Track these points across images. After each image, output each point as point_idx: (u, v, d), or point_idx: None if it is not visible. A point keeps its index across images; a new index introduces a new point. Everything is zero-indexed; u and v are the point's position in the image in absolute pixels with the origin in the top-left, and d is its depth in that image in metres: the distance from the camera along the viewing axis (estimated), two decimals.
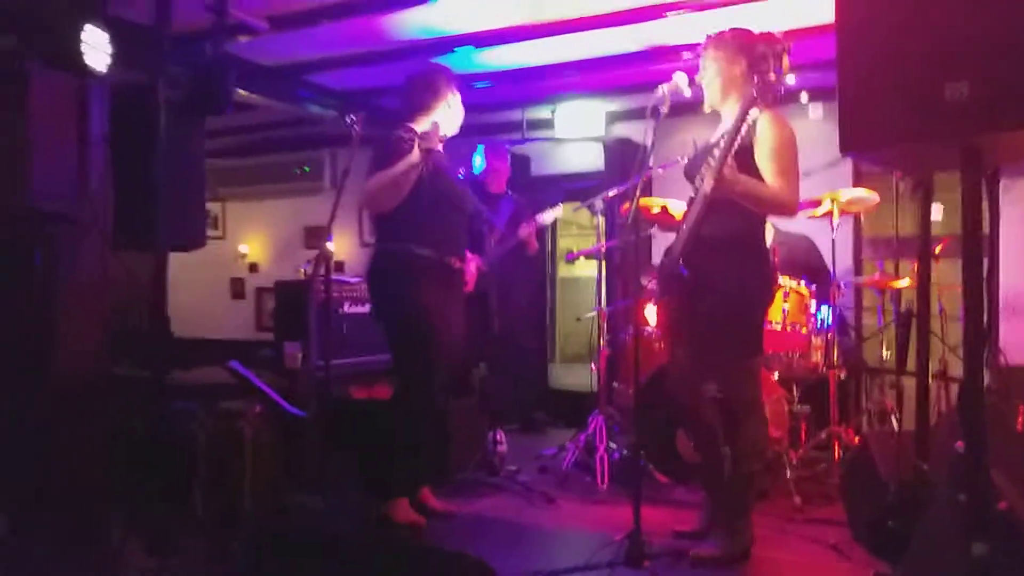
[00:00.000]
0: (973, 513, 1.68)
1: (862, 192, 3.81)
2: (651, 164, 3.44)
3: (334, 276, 4.42)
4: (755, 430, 2.81)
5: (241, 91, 4.83)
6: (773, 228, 4.31)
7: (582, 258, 4.89)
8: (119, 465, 3.34)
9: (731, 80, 2.77)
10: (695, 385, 2.84)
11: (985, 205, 3.80)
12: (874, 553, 2.72)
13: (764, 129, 2.63)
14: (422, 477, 3.38)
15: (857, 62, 1.67)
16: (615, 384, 4.43)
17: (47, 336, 3.38)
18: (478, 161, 4.74)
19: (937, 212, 4.87)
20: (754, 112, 2.62)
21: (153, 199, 3.15)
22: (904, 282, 3.81)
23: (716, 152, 2.67)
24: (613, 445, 3.97)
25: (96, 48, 3.11)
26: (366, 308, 4.60)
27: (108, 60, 3.15)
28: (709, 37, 2.84)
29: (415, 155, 3.10)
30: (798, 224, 3.93)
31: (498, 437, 4.12)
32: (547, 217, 4.37)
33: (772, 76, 2.50)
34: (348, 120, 3.17)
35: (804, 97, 5.02)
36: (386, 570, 1.85)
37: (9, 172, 2.96)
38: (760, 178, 2.64)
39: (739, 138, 2.57)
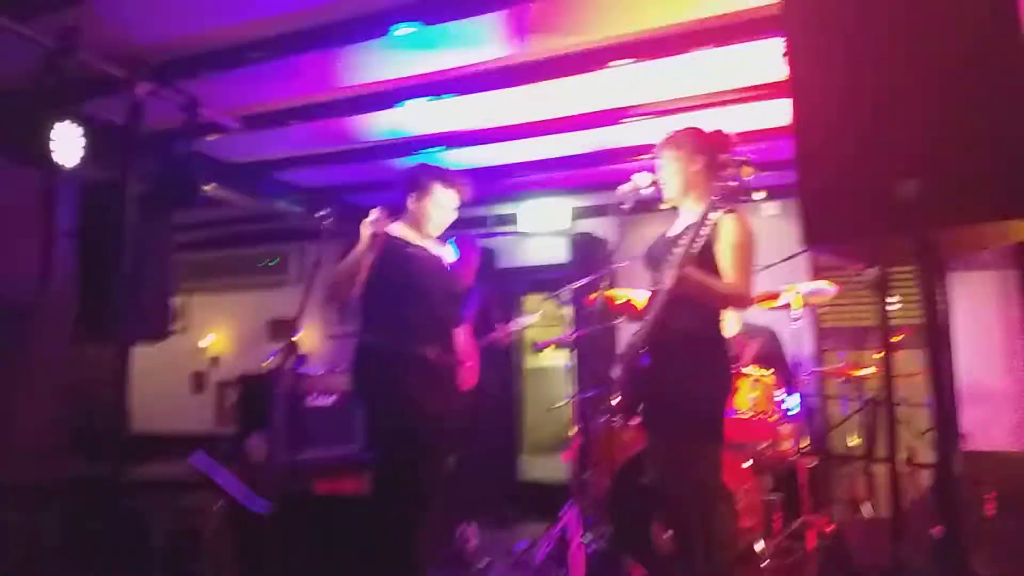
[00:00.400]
0: None
1: (822, 284, 3.92)
2: (615, 259, 3.54)
3: (300, 369, 4.39)
4: (719, 518, 2.80)
5: (208, 187, 4.87)
6: (740, 320, 4.42)
7: (549, 348, 4.92)
8: (77, 562, 3.19)
9: (690, 178, 2.89)
10: (668, 468, 2.84)
11: None
12: None
13: (726, 229, 2.75)
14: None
15: (817, 158, 1.72)
16: (588, 475, 4.38)
17: (1, 431, 3.27)
18: (449, 254, 4.79)
19: (895, 304, 5.03)
20: (715, 214, 2.74)
21: (118, 292, 3.12)
22: (867, 371, 3.89)
23: (678, 246, 2.77)
24: (588, 537, 3.90)
25: (67, 144, 3.14)
26: (330, 400, 4.55)
27: (80, 155, 3.17)
28: (666, 137, 2.98)
29: (362, 240, 3.12)
30: (760, 317, 4.02)
31: (468, 532, 4.02)
32: (524, 322, 4.42)
33: (734, 184, 2.62)
34: (319, 215, 3.22)
35: (759, 195, 5.23)
36: None
37: None
38: (717, 272, 2.75)
39: (701, 239, 2.67)
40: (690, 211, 2.89)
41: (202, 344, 7.50)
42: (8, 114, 3.15)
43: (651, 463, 2.93)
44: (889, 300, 4.00)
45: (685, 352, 2.76)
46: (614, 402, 4.02)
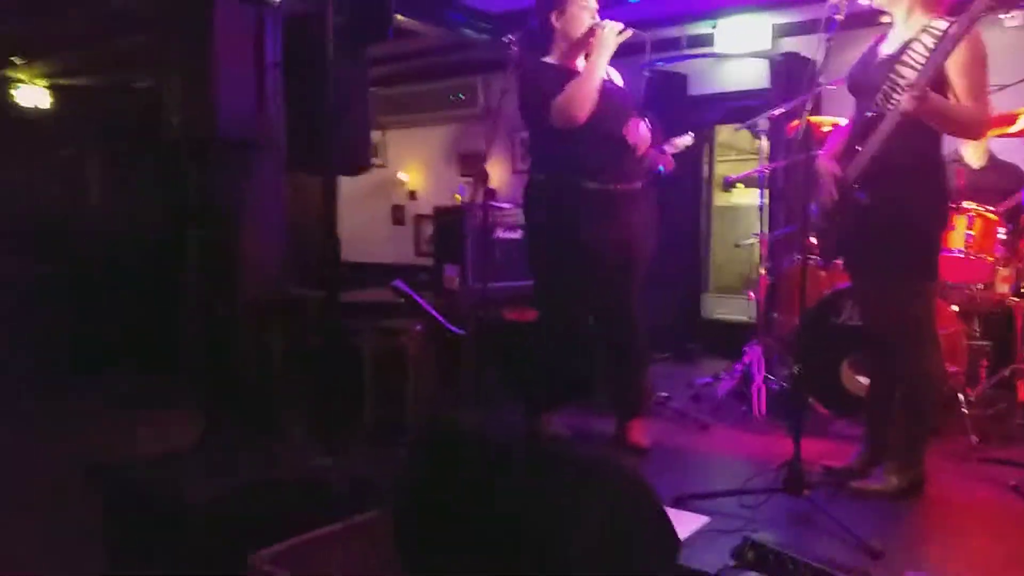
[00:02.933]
0: None
1: None
2: (821, 80, 3.21)
3: (489, 202, 4.51)
4: (928, 361, 2.67)
5: (400, 16, 4.91)
6: (988, 152, 4.00)
7: (740, 185, 4.69)
8: (297, 376, 3.63)
9: None
10: (880, 307, 2.72)
11: None
12: None
13: (962, 47, 2.39)
14: (565, 396, 3.43)
15: None
16: (775, 314, 4.28)
17: (233, 258, 3.67)
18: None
19: None
20: (940, 23, 2.43)
21: (324, 123, 3.29)
22: None
23: (899, 67, 2.50)
24: (771, 376, 3.87)
25: None
26: (518, 234, 4.69)
27: None
28: None
29: (606, 49, 3.03)
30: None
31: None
32: (681, 142, 4.19)
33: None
34: (506, 39, 3.16)
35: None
36: (549, 477, 1.88)
37: (196, 99, 3.18)
38: (945, 93, 2.46)
39: (939, 55, 2.37)
40: (911, 24, 2.56)
41: (400, 177, 7.87)
42: None
43: (859, 302, 2.82)
44: None
45: (906, 185, 2.55)
46: (814, 240, 3.86)
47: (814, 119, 3.32)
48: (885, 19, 2.67)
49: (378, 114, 7.35)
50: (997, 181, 3.92)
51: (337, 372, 3.16)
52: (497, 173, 6.48)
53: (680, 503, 2.59)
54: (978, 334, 3.61)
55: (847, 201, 2.64)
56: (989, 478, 2.87)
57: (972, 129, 2.58)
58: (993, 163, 4.03)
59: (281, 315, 3.75)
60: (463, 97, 6.96)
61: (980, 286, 3.54)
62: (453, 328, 3.63)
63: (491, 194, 4.64)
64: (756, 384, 3.76)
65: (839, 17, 2.56)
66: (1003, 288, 3.50)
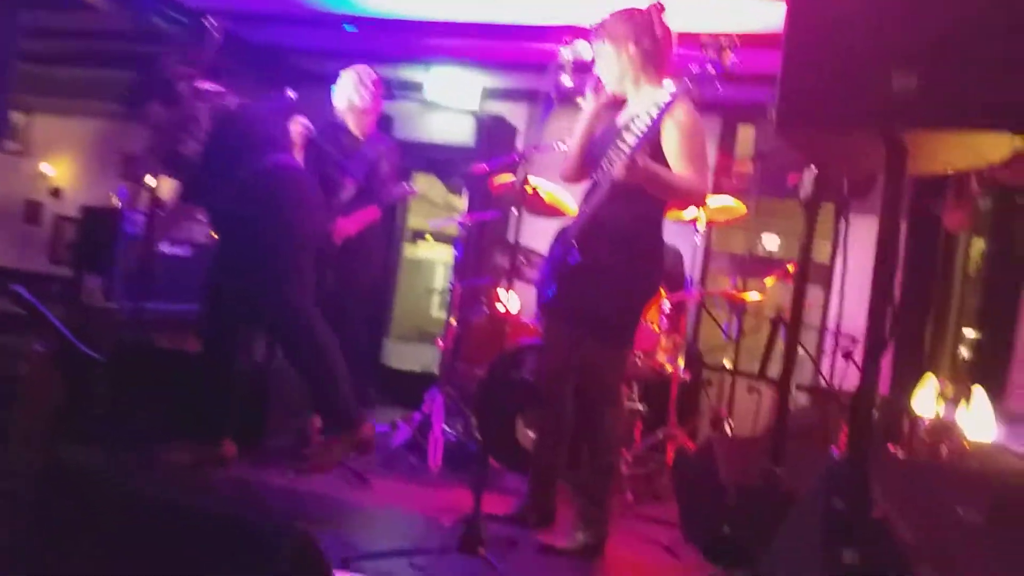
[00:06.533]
0: (847, 520, 1.63)
1: (730, 201, 3.85)
2: (529, 146, 3.26)
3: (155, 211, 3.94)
4: (616, 422, 2.77)
5: None
6: None
7: (430, 239, 4.65)
8: None
9: (629, 65, 2.67)
10: (565, 371, 2.77)
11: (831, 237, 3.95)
12: (707, 556, 2.70)
13: (676, 118, 2.55)
14: (218, 429, 3.12)
15: (807, 38, 1.57)
16: (459, 364, 4.21)
17: None
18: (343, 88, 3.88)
19: (772, 243, 5.10)
20: (665, 96, 2.55)
21: None
22: (754, 295, 3.91)
23: (625, 134, 2.60)
24: (448, 428, 3.75)
25: None
26: (186, 251, 4.13)
27: None
28: (615, 14, 2.71)
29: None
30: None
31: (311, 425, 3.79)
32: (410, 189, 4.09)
33: (712, 70, 2.41)
34: (207, 24, 2.77)
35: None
36: (197, 540, 1.53)
37: None
38: (666, 165, 2.57)
39: (654, 126, 2.49)
40: (641, 97, 2.68)
41: (42, 170, 6.69)
42: None
43: (551, 358, 2.83)
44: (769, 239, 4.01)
45: (617, 249, 2.62)
46: (499, 294, 3.87)
47: (529, 181, 3.33)
48: (608, 91, 2.76)
49: (28, 93, 6.21)
50: (667, 263, 4.31)
51: None
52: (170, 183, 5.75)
53: (346, 565, 2.32)
54: (636, 398, 3.86)
55: (566, 259, 2.68)
56: (646, 537, 2.99)
57: (692, 196, 2.68)
58: None
59: None
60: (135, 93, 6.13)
61: (642, 354, 3.80)
62: (87, 350, 3.03)
63: (158, 202, 4.04)
64: (434, 435, 3.61)
65: (565, 79, 2.63)
66: (662, 358, 3.79)
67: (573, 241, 2.64)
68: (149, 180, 3.60)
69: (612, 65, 2.69)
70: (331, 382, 3.04)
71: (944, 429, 2.99)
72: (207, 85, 3.04)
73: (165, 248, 3.94)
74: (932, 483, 1.93)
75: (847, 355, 3.85)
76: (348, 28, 4.83)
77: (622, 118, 2.74)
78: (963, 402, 3.21)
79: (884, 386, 4.57)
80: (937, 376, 3.57)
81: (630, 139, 2.55)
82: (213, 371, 3.11)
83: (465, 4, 4.29)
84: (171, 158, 3.07)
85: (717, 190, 4.76)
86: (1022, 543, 1.72)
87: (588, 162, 2.77)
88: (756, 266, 4.55)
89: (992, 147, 1.58)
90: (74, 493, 1.60)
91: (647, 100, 2.60)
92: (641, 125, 2.52)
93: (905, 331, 4.73)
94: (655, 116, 2.47)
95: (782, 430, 2.37)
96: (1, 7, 3.42)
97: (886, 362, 4.68)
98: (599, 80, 2.72)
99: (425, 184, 6.26)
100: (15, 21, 4.83)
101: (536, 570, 2.54)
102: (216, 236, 3.30)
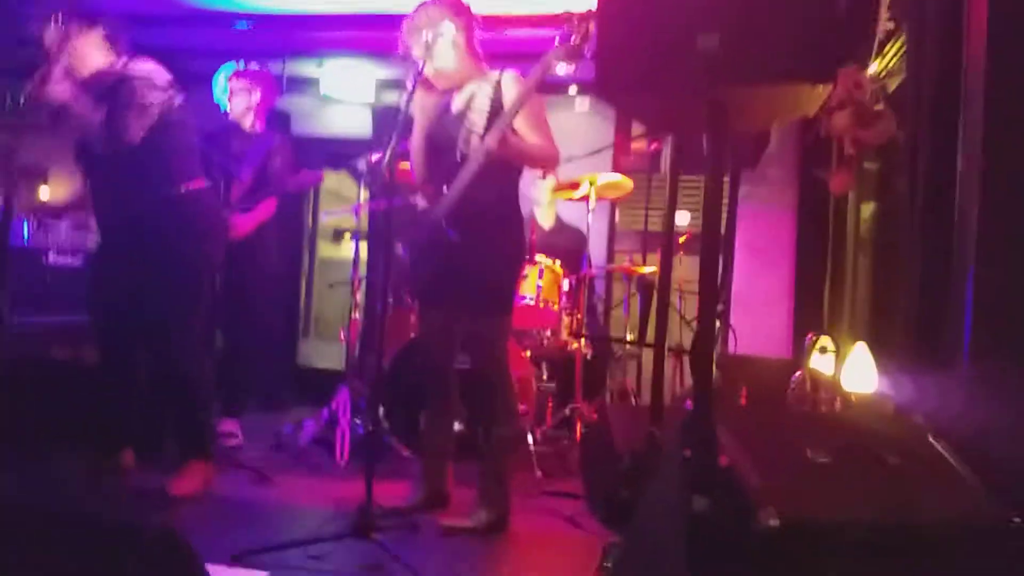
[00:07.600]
0: (696, 468, 1.68)
1: (617, 177, 3.92)
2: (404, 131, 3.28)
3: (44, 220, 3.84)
4: (507, 395, 2.81)
5: None
6: (556, 217, 4.41)
7: (348, 239, 4.61)
8: None
9: (469, 42, 2.76)
10: (448, 349, 2.87)
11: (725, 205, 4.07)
12: (606, 524, 2.75)
13: (510, 88, 2.67)
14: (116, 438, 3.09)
15: (617, 8, 1.62)
16: (365, 357, 4.21)
17: None
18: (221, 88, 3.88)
19: (683, 218, 5.22)
20: (494, 73, 2.69)
21: None
22: (649, 268, 3.99)
23: (470, 115, 2.68)
24: (358, 420, 3.74)
25: None
26: (78, 260, 4.02)
27: None
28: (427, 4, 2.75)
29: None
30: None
31: (230, 429, 3.75)
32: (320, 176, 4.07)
33: (578, 41, 2.48)
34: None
35: (573, 89, 5.17)
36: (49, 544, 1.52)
37: None
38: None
39: (499, 103, 2.63)
40: (470, 85, 2.76)
41: None
42: None
43: (432, 341, 2.91)
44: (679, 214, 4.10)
45: (489, 223, 2.71)
46: (401, 282, 3.87)
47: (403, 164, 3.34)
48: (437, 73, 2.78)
49: None
50: (564, 241, 4.37)
51: None
52: (62, 193, 5.56)
53: (239, 560, 2.30)
54: (545, 377, 3.91)
55: (437, 240, 2.69)
56: (550, 510, 3.04)
57: (548, 161, 2.83)
58: (560, 225, 4.49)
59: None
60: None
61: (548, 333, 3.86)
62: None
63: (44, 207, 3.93)
64: (341, 429, 3.60)
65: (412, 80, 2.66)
66: (566, 335, 3.85)
67: (443, 222, 2.66)
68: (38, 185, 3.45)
69: (442, 49, 2.71)
70: (195, 411, 3.04)
71: (827, 384, 3.10)
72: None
73: (53, 258, 3.83)
74: (785, 429, 2.01)
75: (718, 316, 3.96)
76: (241, 25, 4.76)
77: (457, 102, 2.80)
78: (847, 358, 3.33)
79: (787, 348, 4.74)
80: (834, 336, 3.70)
81: (477, 119, 2.65)
82: (110, 380, 3.05)
83: None
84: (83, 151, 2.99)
85: (616, 168, 4.85)
86: (865, 479, 1.80)
87: (434, 152, 2.82)
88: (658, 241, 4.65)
89: (807, 99, 1.65)
90: None
91: (476, 84, 2.71)
92: (485, 102, 2.62)
93: (805, 295, 4.90)
94: (495, 93, 2.62)
95: (659, 392, 2.43)
96: None
97: (787, 325, 4.88)
98: (418, 71, 2.69)
99: (335, 181, 6.20)
100: None
101: (436, 551, 2.55)
102: (105, 245, 3.15)
